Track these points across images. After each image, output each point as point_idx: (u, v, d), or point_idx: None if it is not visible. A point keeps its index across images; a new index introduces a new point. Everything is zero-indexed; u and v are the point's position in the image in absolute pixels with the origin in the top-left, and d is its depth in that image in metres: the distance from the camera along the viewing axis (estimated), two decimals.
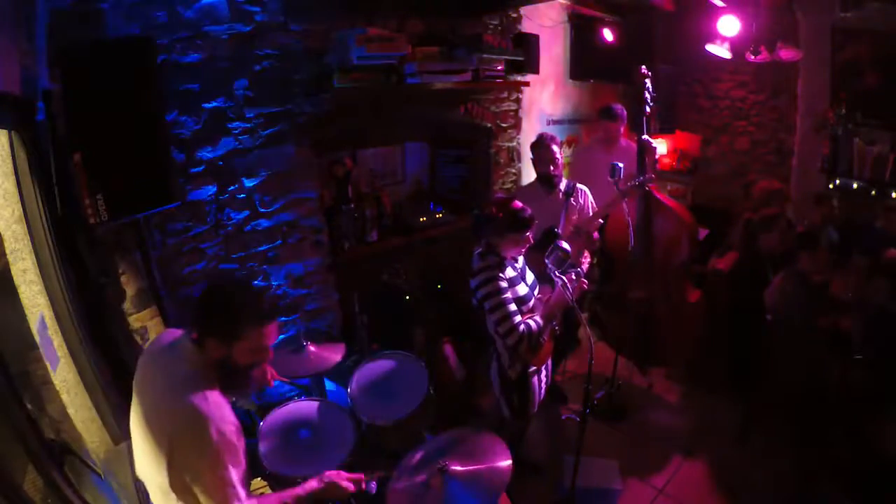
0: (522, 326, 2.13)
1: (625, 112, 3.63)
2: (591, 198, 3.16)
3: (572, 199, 3.04)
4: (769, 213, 3.20)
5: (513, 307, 2.15)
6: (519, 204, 2.19)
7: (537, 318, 2.20)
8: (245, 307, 1.44)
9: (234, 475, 1.38)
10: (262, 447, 1.92)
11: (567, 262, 2.18)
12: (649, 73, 3.00)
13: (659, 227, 3.11)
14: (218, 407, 1.40)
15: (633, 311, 3.19)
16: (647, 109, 3.02)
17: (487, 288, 2.15)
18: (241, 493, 1.39)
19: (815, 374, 2.61)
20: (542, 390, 2.44)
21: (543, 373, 2.44)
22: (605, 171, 2.88)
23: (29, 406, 1.57)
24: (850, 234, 3.13)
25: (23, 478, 1.46)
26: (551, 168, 3.03)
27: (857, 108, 3.82)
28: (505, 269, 2.21)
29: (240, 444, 1.44)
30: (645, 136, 3.04)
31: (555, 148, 3.02)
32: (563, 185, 3.08)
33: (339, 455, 1.92)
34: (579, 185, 3.13)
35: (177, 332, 1.54)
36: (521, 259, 2.34)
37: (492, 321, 2.17)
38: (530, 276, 2.37)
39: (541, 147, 3.06)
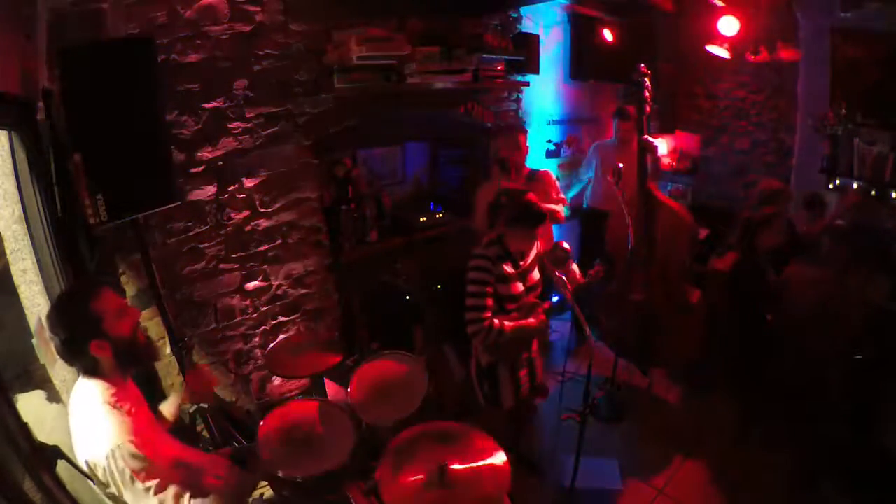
0: (487, 322, 2.15)
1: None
2: (554, 180, 3.28)
3: (530, 184, 3.08)
4: (768, 211, 3.19)
5: (488, 301, 2.17)
6: (533, 197, 2.18)
7: (508, 323, 2.19)
8: (68, 308, 1.50)
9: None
10: (262, 447, 1.92)
11: (567, 262, 2.19)
12: (649, 72, 2.99)
13: (660, 228, 3.11)
14: (121, 430, 1.44)
15: (634, 312, 3.19)
16: (647, 108, 3.02)
17: (473, 274, 2.19)
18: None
19: (816, 374, 2.61)
20: (523, 386, 2.44)
21: (524, 370, 2.45)
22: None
23: None
24: (857, 234, 3.11)
25: (23, 478, 1.46)
26: (513, 155, 3.11)
27: (857, 108, 3.82)
28: (502, 263, 2.20)
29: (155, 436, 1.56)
30: (645, 136, 3.03)
31: (521, 138, 3.14)
32: (525, 172, 3.16)
33: (340, 455, 1.92)
34: (541, 171, 3.24)
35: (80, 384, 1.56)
36: (531, 257, 2.33)
37: (466, 302, 2.20)
38: (534, 277, 2.35)
39: (505, 134, 3.19)
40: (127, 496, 1.41)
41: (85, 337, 1.47)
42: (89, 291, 1.52)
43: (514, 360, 2.39)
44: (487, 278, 2.17)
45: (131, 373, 1.63)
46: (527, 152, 3.22)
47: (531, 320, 2.27)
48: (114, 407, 1.48)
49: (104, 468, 1.40)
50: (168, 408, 1.92)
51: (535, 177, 3.19)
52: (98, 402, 1.48)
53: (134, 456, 1.41)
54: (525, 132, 3.15)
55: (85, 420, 1.47)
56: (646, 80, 2.95)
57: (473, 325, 2.16)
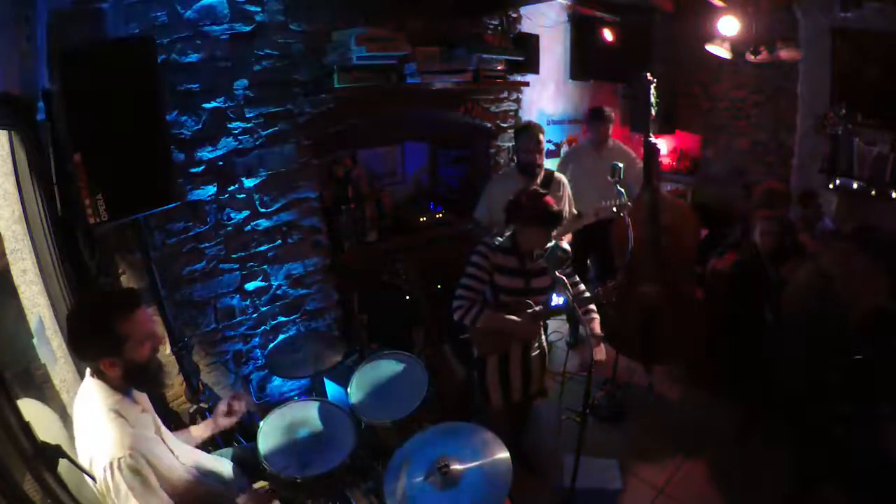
0: (468, 303, 2.24)
1: (612, 114, 3.67)
2: (568, 190, 3.25)
3: (548, 190, 3.04)
4: (768, 212, 3.20)
5: (478, 284, 2.27)
6: (551, 200, 2.22)
7: (489, 310, 2.26)
8: (98, 316, 1.45)
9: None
10: (263, 447, 1.92)
11: (566, 263, 2.18)
12: (654, 79, 3.08)
13: (665, 225, 3.15)
14: (122, 442, 1.43)
15: (641, 305, 3.22)
16: (652, 113, 3.13)
17: (471, 257, 2.30)
18: None
19: (816, 374, 2.61)
20: (514, 389, 2.46)
21: (517, 373, 2.45)
22: (596, 172, 3.04)
23: None
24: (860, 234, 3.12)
25: (23, 478, 1.46)
26: (536, 157, 3.05)
27: (857, 108, 3.82)
28: (505, 255, 2.27)
29: (157, 450, 1.54)
30: (652, 140, 3.14)
31: (541, 137, 3.06)
32: (540, 176, 3.12)
33: (340, 455, 1.92)
34: (557, 175, 3.20)
35: (86, 383, 1.53)
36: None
37: (459, 282, 2.30)
38: (542, 281, 2.36)
39: (527, 135, 3.07)
40: None
41: (99, 353, 1.45)
42: (122, 310, 1.46)
43: (497, 353, 2.42)
44: (483, 263, 2.27)
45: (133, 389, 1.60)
46: (544, 155, 3.20)
47: (515, 317, 2.28)
48: (118, 415, 1.46)
49: (101, 478, 1.39)
50: (197, 431, 1.95)
51: (553, 180, 3.16)
52: (101, 406, 1.46)
53: (132, 469, 1.40)
54: (543, 131, 3.12)
55: (87, 422, 1.46)
56: (651, 87, 3.07)
57: (457, 300, 2.27)
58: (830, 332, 2.57)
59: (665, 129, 4.81)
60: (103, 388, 1.48)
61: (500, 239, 2.30)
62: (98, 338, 1.44)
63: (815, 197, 3.70)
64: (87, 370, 1.52)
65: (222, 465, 1.93)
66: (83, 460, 1.45)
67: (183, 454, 1.71)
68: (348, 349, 2.52)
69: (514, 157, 3.23)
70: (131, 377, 1.51)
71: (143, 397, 1.64)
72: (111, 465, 1.38)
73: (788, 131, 4.42)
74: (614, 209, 2.86)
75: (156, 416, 1.68)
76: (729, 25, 3.57)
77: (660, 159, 4.01)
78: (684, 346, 3.29)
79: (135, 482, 1.40)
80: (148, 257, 2.28)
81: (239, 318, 2.89)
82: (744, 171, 4.74)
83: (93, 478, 1.45)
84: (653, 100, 3.09)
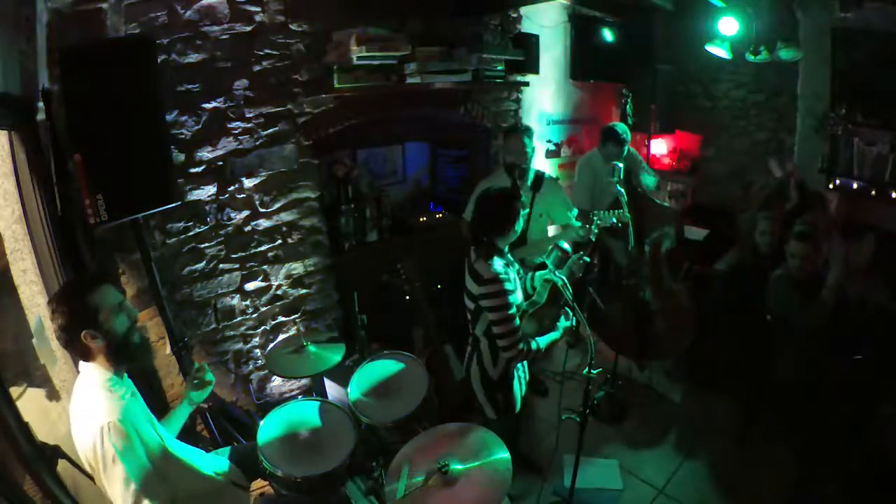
0: (523, 345, 2.09)
1: (629, 134, 3.55)
2: (562, 191, 3.21)
3: (539, 191, 3.02)
4: (767, 211, 3.21)
5: (515, 321, 2.08)
6: (507, 192, 2.16)
7: (541, 342, 2.16)
8: (69, 291, 1.55)
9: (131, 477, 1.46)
10: (263, 447, 1.92)
11: (567, 262, 2.18)
12: (629, 94, 3.26)
13: (646, 221, 3.29)
14: (111, 410, 1.48)
15: (628, 298, 3.26)
16: (630, 122, 3.30)
17: (499, 300, 2.06)
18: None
19: (815, 374, 2.61)
20: (524, 387, 2.43)
21: (521, 370, 2.42)
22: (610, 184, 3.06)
23: None
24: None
25: (23, 478, 1.46)
26: (521, 160, 2.97)
27: (857, 108, 3.82)
28: (510, 272, 2.14)
29: (144, 430, 1.58)
30: (631, 150, 3.31)
31: (528, 139, 2.98)
32: (530, 178, 3.05)
33: (340, 455, 1.93)
34: (547, 176, 3.16)
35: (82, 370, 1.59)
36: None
37: (496, 330, 2.10)
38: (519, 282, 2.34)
39: (514, 137, 2.99)
40: (103, 479, 1.44)
41: (79, 326, 1.50)
42: (90, 283, 1.56)
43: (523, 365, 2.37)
44: (509, 300, 2.06)
45: (125, 369, 1.65)
46: (531, 154, 3.19)
47: (556, 332, 2.22)
48: (109, 390, 1.52)
49: (91, 447, 1.43)
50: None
51: (543, 180, 3.09)
52: (93, 383, 1.52)
53: (120, 434, 1.44)
54: (531, 133, 3.09)
55: (82, 403, 1.51)
56: (627, 101, 3.25)
57: (510, 350, 2.08)
58: (813, 331, 2.58)
59: (665, 129, 4.82)
60: (94, 367, 1.55)
61: (497, 259, 2.13)
62: (72, 309, 1.49)
63: (821, 199, 3.70)
64: (78, 357, 1.56)
65: (221, 464, 1.93)
66: (76, 436, 1.49)
67: (170, 443, 1.71)
68: (348, 349, 2.52)
69: (503, 159, 3.18)
70: (115, 352, 1.56)
71: (132, 385, 1.68)
72: (101, 430, 1.43)
73: (788, 131, 4.42)
74: (620, 224, 2.90)
75: (145, 405, 1.69)
76: (729, 25, 3.57)
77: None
78: (675, 339, 3.33)
79: (122, 447, 1.44)
80: (148, 257, 2.28)
81: (239, 318, 2.89)
82: (744, 172, 4.75)
83: (90, 476, 1.46)
84: (629, 111, 3.22)
